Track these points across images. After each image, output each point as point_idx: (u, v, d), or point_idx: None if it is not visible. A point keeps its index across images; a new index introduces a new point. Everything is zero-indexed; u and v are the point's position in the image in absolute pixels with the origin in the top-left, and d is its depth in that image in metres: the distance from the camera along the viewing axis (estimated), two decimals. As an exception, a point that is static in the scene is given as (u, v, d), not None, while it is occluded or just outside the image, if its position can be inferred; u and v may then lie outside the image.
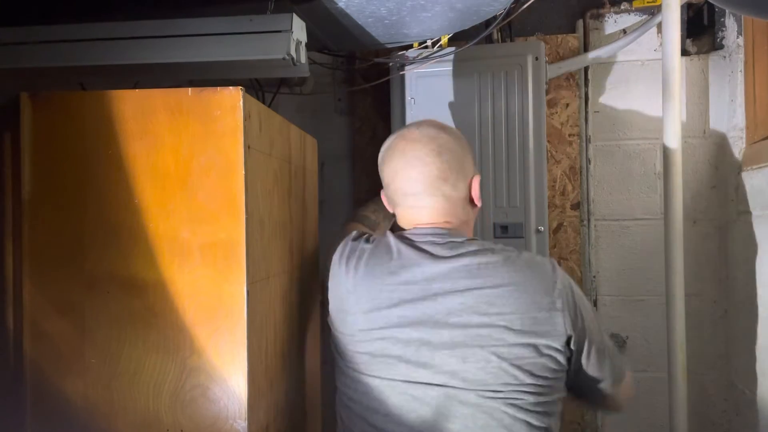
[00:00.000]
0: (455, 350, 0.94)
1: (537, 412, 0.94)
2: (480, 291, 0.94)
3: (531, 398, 0.93)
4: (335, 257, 1.08)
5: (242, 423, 0.93)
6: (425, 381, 0.95)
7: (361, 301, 1.00)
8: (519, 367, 0.92)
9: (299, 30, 1.05)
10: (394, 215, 1.13)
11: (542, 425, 0.94)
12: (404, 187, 1.04)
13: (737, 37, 1.60)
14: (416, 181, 1.03)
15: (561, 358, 0.94)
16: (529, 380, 0.93)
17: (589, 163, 1.76)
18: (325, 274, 1.10)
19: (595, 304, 1.75)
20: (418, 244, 1.00)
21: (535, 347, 0.92)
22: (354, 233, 1.10)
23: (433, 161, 1.02)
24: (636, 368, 1.74)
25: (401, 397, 0.97)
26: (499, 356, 0.92)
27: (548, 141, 1.67)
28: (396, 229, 1.10)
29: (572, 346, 0.95)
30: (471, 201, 1.06)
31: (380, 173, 1.11)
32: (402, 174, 1.04)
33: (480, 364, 0.93)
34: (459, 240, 1.00)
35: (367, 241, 1.07)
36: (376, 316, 0.98)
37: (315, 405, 1.42)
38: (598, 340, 1.00)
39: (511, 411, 0.93)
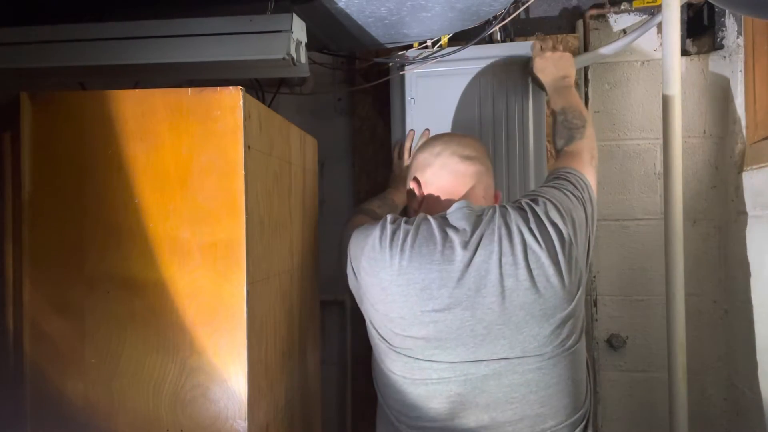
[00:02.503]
0: (509, 324, 0.98)
1: (578, 349, 1.03)
2: (516, 267, 0.99)
3: (575, 334, 1.03)
4: (375, 242, 1.06)
5: (242, 423, 0.93)
6: (485, 358, 0.99)
7: (413, 283, 1.01)
8: (569, 316, 1.00)
9: (299, 30, 1.05)
10: (398, 207, 1.16)
11: (582, 360, 1.06)
12: (457, 162, 1.13)
13: (737, 37, 1.60)
14: (468, 159, 1.14)
15: (583, 262, 1.05)
16: (572, 316, 1.01)
17: (589, 163, 1.75)
18: (356, 262, 1.10)
19: (595, 304, 1.75)
20: (456, 224, 1.04)
21: (572, 286, 1.01)
22: (389, 217, 1.11)
23: (482, 155, 1.17)
24: (636, 368, 1.74)
25: (462, 377, 1.00)
26: (548, 316, 0.99)
27: (548, 141, 1.67)
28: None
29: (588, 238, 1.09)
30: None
31: (428, 160, 1.17)
32: (457, 156, 1.14)
33: (534, 330, 0.98)
34: (491, 212, 1.05)
35: (407, 222, 1.08)
36: (428, 298, 1.00)
37: (315, 405, 1.42)
38: (569, 197, 1.10)
39: (565, 361, 1.00)
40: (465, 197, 1.11)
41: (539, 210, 1.03)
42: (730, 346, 1.65)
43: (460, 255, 1.00)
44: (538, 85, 1.49)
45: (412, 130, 1.58)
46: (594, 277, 1.76)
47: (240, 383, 0.93)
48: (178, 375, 0.94)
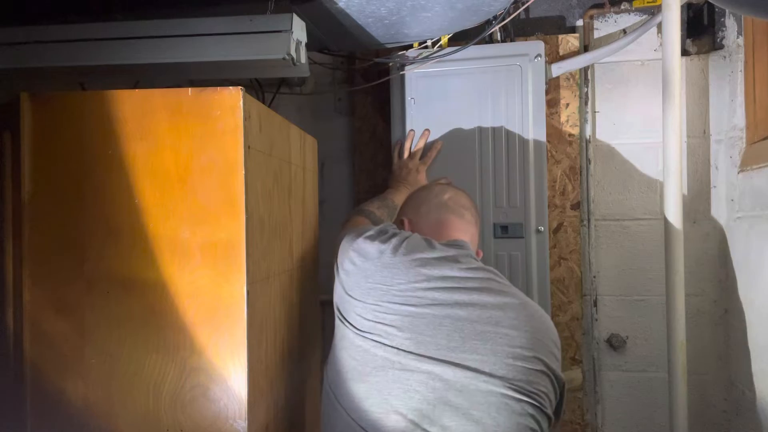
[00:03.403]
0: (486, 343, 0.98)
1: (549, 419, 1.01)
2: (506, 307, 1.02)
3: (546, 406, 1.00)
4: (369, 234, 1.10)
5: (242, 423, 0.93)
6: (454, 361, 0.97)
7: (397, 277, 1.02)
8: (534, 373, 0.99)
9: (299, 30, 1.05)
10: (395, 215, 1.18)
11: None
12: (451, 206, 1.20)
13: (737, 37, 1.60)
14: (463, 208, 1.21)
15: (552, 396, 1.03)
16: (540, 391, 0.99)
17: (589, 163, 1.76)
18: (342, 255, 1.12)
19: (595, 304, 1.75)
20: (451, 249, 1.09)
21: (542, 371, 1.00)
22: (387, 224, 1.15)
23: (473, 208, 1.25)
24: (636, 368, 1.74)
25: (425, 375, 0.97)
26: (521, 359, 0.98)
27: (548, 141, 1.67)
28: None
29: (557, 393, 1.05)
30: None
31: (424, 201, 1.24)
32: (453, 201, 1.22)
33: (508, 360, 0.97)
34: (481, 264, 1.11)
35: (406, 233, 1.12)
36: (411, 294, 1.01)
37: (315, 405, 1.42)
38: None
39: (530, 411, 0.97)
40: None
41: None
42: (730, 346, 1.65)
43: (452, 267, 1.03)
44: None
45: (412, 130, 1.58)
46: (594, 277, 1.76)
47: (240, 383, 0.93)
48: (178, 375, 0.94)
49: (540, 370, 0.99)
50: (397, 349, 0.99)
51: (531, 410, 0.97)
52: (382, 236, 1.09)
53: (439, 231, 1.17)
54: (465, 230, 1.19)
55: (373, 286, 1.03)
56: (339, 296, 1.10)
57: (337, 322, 1.10)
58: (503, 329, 0.99)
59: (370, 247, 1.07)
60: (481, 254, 1.21)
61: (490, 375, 0.96)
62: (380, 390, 0.99)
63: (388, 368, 0.99)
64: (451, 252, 1.07)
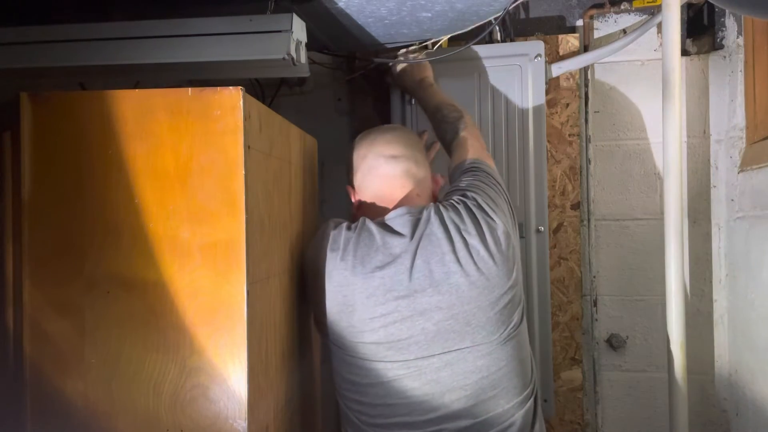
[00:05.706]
0: (457, 317, 1.01)
1: (522, 329, 1.10)
2: (455, 250, 1.02)
3: (518, 315, 1.07)
4: (327, 252, 1.09)
5: (242, 423, 0.93)
6: (437, 352, 1.01)
7: (357, 293, 1.03)
8: (513, 303, 1.05)
9: (299, 30, 1.05)
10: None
11: (526, 338, 1.12)
12: (389, 171, 1.15)
13: (737, 37, 1.60)
14: (395, 161, 1.16)
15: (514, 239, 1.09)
16: (516, 303, 1.07)
17: (589, 163, 1.76)
18: (314, 269, 1.12)
19: (594, 304, 1.75)
20: (397, 229, 1.06)
21: (509, 272, 1.05)
22: (330, 223, 1.14)
23: (412, 151, 1.20)
24: (636, 368, 1.75)
25: (417, 372, 1.01)
26: (493, 304, 1.02)
27: (548, 141, 1.66)
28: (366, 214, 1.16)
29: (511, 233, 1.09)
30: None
31: (356, 164, 1.21)
32: (382, 157, 1.17)
33: (481, 321, 1.01)
34: (427, 213, 1.08)
35: (348, 228, 1.10)
36: (375, 305, 1.02)
37: (315, 405, 1.42)
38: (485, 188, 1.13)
39: (512, 342, 1.04)
40: (400, 201, 1.13)
41: (471, 204, 1.07)
42: (730, 346, 1.65)
43: (401, 260, 1.03)
44: (402, 89, 1.58)
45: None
46: (594, 277, 1.76)
47: (240, 383, 0.93)
48: (178, 375, 0.94)
49: (511, 299, 1.05)
50: (384, 362, 1.03)
51: (516, 335, 1.06)
52: (326, 249, 1.09)
53: (382, 198, 1.17)
54: (406, 184, 1.16)
55: (341, 310, 1.05)
56: (317, 319, 1.13)
57: (325, 339, 1.13)
58: (465, 293, 1.01)
59: (321, 267, 1.08)
60: (440, 180, 1.24)
61: (472, 346, 1.02)
62: (382, 399, 1.04)
63: (383, 381, 1.03)
64: (397, 238, 1.05)
